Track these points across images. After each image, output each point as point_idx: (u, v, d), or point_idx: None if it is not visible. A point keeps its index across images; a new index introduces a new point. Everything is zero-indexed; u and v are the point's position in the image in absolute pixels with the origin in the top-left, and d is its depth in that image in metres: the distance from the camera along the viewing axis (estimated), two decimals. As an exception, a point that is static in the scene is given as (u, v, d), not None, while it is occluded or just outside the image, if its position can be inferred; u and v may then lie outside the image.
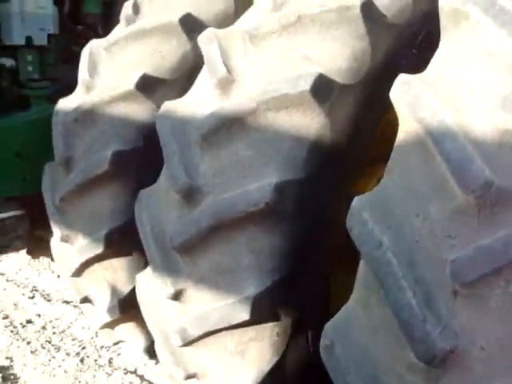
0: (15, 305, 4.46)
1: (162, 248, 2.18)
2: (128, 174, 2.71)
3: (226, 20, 2.86)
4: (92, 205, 2.74)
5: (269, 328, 2.11)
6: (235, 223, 1.97)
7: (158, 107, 2.47)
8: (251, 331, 2.09)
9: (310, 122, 1.97)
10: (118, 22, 3.52)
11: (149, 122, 2.67)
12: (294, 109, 1.96)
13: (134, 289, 2.54)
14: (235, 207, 1.95)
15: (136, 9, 2.96)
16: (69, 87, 3.42)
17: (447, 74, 1.64)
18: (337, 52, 2.03)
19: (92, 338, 3.92)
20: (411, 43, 2.24)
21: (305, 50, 2.04)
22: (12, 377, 3.44)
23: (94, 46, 2.93)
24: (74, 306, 4.43)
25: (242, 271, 2.00)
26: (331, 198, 2.13)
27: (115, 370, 3.55)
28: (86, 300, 3.04)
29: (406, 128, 1.60)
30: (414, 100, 1.56)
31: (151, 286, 2.29)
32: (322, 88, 1.94)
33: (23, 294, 4.63)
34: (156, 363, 3.45)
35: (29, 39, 3.22)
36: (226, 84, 2.10)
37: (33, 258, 3.98)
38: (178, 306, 2.15)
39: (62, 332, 4.04)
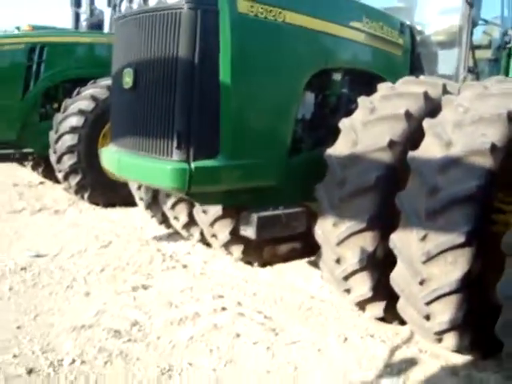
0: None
1: (417, 215, 4.66)
2: (382, 189, 5.15)
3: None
4: (358, 203, 5.24)
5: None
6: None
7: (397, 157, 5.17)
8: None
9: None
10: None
11: (394, 166, 5.24)
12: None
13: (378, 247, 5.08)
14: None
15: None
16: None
17: None
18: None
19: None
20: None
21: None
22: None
23: (353, 121, 5.60)
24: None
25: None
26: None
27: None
28: (338, 261, 5.46)
29: None
30: None
31: (402, 239, 4.82)
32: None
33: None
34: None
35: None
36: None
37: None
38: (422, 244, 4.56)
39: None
